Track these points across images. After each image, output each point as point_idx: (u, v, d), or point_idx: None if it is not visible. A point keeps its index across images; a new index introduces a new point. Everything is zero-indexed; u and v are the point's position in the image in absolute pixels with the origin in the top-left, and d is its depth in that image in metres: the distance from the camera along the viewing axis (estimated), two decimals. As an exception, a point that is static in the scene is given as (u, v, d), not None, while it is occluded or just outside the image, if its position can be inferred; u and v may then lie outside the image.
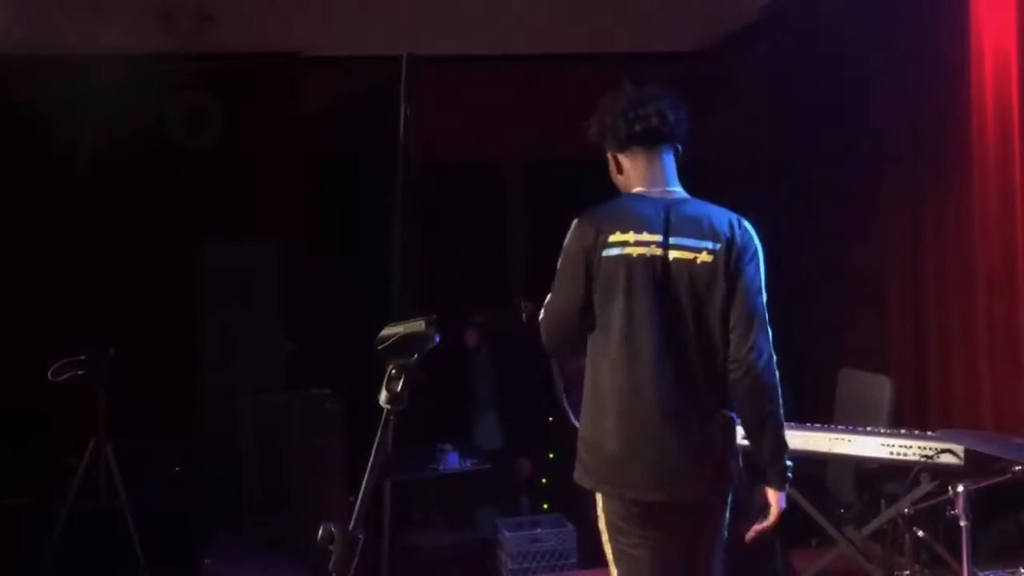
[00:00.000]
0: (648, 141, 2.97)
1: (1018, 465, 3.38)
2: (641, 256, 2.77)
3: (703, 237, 2.80)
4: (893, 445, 4.12)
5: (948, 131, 4.96)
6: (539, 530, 5.32)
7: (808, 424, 4.50)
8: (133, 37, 6.07)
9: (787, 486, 2.95)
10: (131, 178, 6.35)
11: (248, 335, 6.57)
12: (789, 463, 2.96)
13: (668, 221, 2.81)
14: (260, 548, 5.53)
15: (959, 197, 4.89)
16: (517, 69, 7.08)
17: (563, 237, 2.97)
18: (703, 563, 2.92)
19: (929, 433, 4.19)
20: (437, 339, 2.57)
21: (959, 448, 3.86)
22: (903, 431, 4.33)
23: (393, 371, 2.51)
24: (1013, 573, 3.52)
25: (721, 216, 2.86)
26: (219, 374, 6.53)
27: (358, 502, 2.42)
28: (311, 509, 5.56)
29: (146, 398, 5.92)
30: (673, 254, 2.79)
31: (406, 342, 2.56)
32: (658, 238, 2.79)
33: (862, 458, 4.30)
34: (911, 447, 4.06)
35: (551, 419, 6.72)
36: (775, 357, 2.84)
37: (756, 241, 2.86)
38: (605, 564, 3.00)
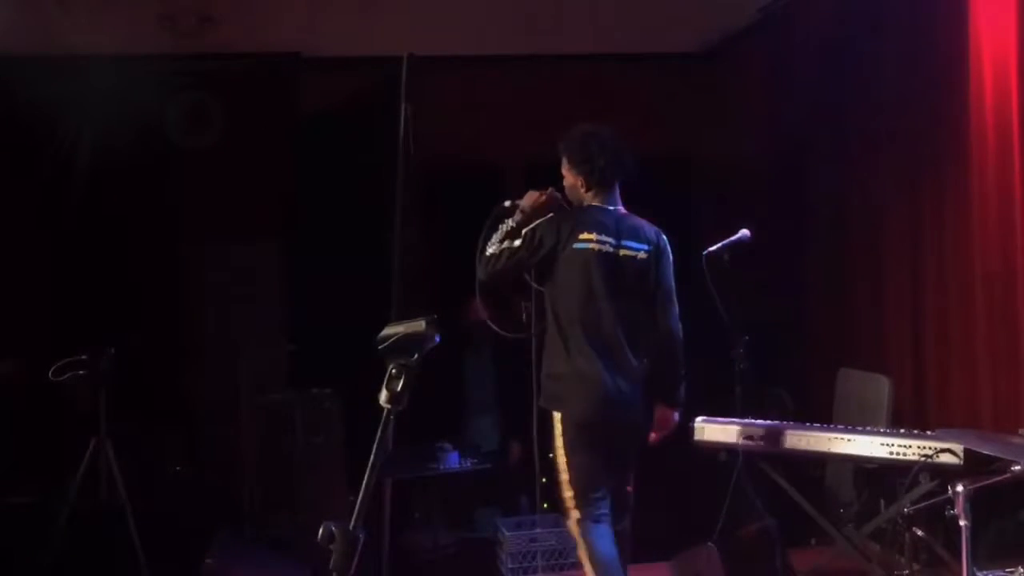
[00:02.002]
0: (620, 181, 4.04)
1: (1017, 464, 3.38)
2: (601, 251, 3.86)
3: (641, 241, 3.94)
4: (892, 445, 4.13)
5: (947, 131, 4.97)
6: (539, 529, 5.33)
7: (808, 424, 4.51)
8: (133, 37, 6.08)
9: (679, 407, 4.06)
10: (131, 178, 6.35)
11: (248, 335, 6.57)
12: (682, 390, 4.04)
13: (619, 229, 3.91)
14: (260, 548, 5.54)
15: (958, 197, 4.89)
16: (517, 69, 7.09)
17: None
18: (628, 469, 4.01)
19: (928, 433, 4.21)
20: (437, 339, 2.58)
21: (958, 447, 3.87)
22: (902, 431, 4.34)
23: (393, 371, 2.52)
24: (1012, 573, 3.53)
25: (650, 228, 4.01)
26: (219, 374, 6.53)
27: (358, 502, 2.42)
28: (311, 509, 5.57)
29: (147, 398, 5.92)
30: (622, 252, 3.89)
31: (406, 342, 2.56)
32: (612, 240, 3.88)
33: (861, 458, 4.32)
34: (910, 447, 4.07)
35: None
36: (680, 324, 3.99)
37: (669, 246, 4.03)
38: None
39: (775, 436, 4.43)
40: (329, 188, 6.60)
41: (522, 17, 6.35)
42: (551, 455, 3.92)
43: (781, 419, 4.71)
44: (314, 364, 6.20)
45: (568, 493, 3.82)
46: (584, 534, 3.81)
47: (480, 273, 3.95)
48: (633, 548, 4.33)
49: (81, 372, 4.90)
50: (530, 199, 4.01)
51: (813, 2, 6.09)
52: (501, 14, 6.27)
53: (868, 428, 4.42)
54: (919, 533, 4.00)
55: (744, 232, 4.72)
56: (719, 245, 4.71)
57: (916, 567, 4.08)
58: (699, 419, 4.68)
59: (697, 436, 4.66)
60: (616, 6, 6.29)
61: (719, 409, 4.67)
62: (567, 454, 3.81)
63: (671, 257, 4.01)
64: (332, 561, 2.33)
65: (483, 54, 6.94)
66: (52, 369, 4.86)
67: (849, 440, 4.27)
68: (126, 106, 6.15)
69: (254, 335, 6.57)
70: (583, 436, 3.81)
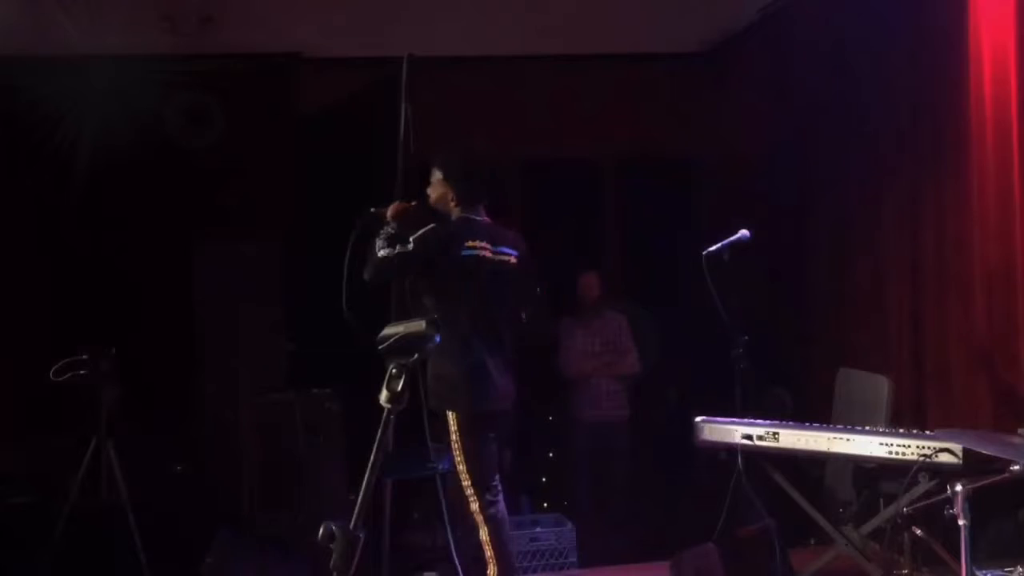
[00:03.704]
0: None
1: (1016, 464, 3.38)
2: (485, 256, 4.19)
3: (510, 247, 4.29)
4: (892, 444, 4.12)
5: (947, 131, 4.97)
6: (539, 529, 5.33)
7: (807, 424, 4.51)
8: (133, 37, 6.08)
9: None
10: (131, 178, 6.35)
11: (248, 335, 6.57)
12: None
13: (493, 237, 4.24)
14: (260, 547, 5.54)
15: (958, 197, 4.90)
16: (517, 69, 7.09)
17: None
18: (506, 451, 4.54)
19: (927, 432, 4.20)
20: (437, 339, 2.59)
21: (957, 447, 3.87)
22: (901, 430, 4.34)
23: (393, 371, 2.52)
24: (1012, 572, 3.53)
25: (515, 235, 4.38)
26: (219, 374, 6.53)
27: (358, 501, 2.43)
28: (311, 509, 5.57)
29: (146, 398, 5.92)
30: (499, 257, 4.23)
31: (406, 342, 2.57)
32: (491, 246, 4.21)
33: (861, 457, 4.31)
34: (909, 446, 4.06)
35: (550, 418, 6.74)
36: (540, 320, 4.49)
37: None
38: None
39: (775, 436, 4.43)
40: (329, 188, 6.60)
41: (522, 17, 6.35)
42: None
43: (781, 419, 4.70)
44: (314, 364, 6.20)
45: (467, 482, 4.14)
46: (486, 520, 4.15)
47: (367, 273, 4.16)
48: (632, 548, 4.37)
49: (81, 372, 4.90)
50: (396, 208, 4.24)
51: (813, 2, 6.10)
52: (501, 14, 6.27)
53: (867, 428, 4.41)
54: (918, 533, 4.00)
55: (744, 232, 4.72)
56: (719, 245, 4.71)
57: (915, 567, 4.09)
58: (699, 419, 4.68)
59: (697, 436, 4.66)
60: (616, 6, 6.29)
61: (719, 409, 4.68)
62: (463, 448, 4.12)
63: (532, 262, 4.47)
64: (332, 561, 2.34)
65: (483, 54, 6.94)
66: (53, 369, 4.86)
67: (848, 440, 4.26)
68: (126, 106, 6.16)
69: (254, 335, 6.57)
70: (476, 430, 4.13)
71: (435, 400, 4.16)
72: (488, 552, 4.15)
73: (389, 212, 4.23)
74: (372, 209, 4.26)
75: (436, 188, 4.33)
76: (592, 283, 6.32)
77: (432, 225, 4.18)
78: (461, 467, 4.14)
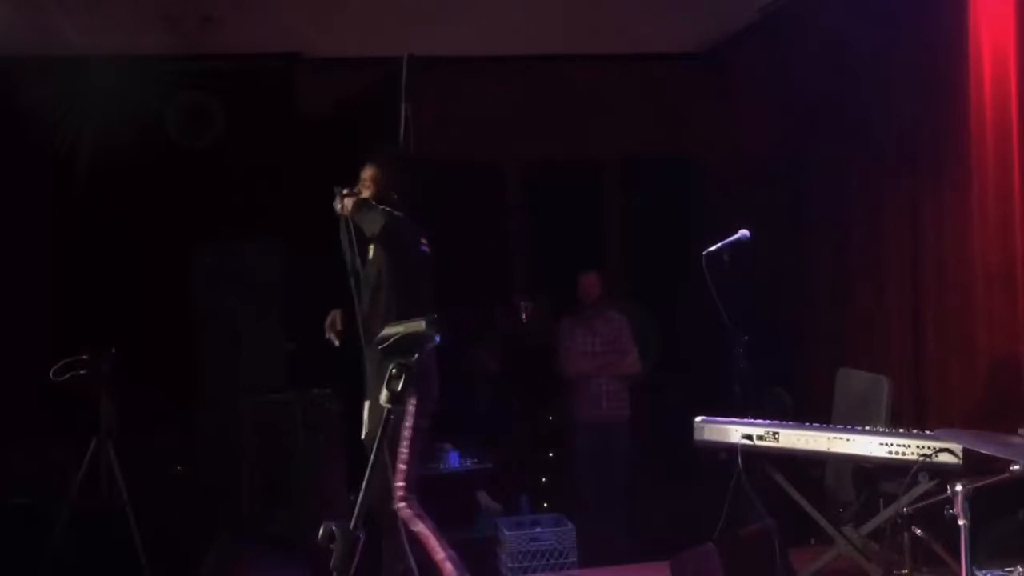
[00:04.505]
0: None
1: (1016, 464, 3.38)
2: (428, 254, 4.36)
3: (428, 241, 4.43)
4: (892, 444, 4.13)
5: (947, 131, 4.97)
6: (539, 529, 5.33)
7: (807, 424, 4.51)
8: (133, 37, 6.08)
9: None
10: (131, 178, 6.35)
11: (248, 335, 6.57)
12: None
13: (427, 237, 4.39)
14: (260, 547, 5.54)
15: (957, 197, 4.90)
16: (517, 69, 7.09)
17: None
18: None
19: (927, 432, 4.20)
20: (437, 339, 2.59)
21: (957, 447, 3.87)
22: (901, 430, 4.34)
23: (393, 371, 2.52)
24: (1012, 572, 3.53)
25: None
26: (219, 374, 6.53)
27: (358, 501, 2.43)
28: (311, 508, 5.57)
29: (146, 398, 5.92)
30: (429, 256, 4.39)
31: (406, 342, 2.57)
32: (425, 241, 4.36)
33: (861, 457, 4.31)
34: (909, 446, 4.06)
35: (550, 418, 6.74)
36: None
37: None
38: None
39: (775, 436, 4.43)
40: (329, 188, 6.58)
41: (522, 17, 6.35)
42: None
43: (781, 419, 4.71)
44: (314, 364, 6.19)
45: (401, 481, 4.10)
46: (418, 515, 4.14)
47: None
48: (632, 548, 4.34)
49: (81, 372, 4.89)
50: (351, 194, 4.32)
51: (813, 2, 6.10)
52: (501, 14, 6.27)
53: (867, 428, 4.41)
54: (918, 533, 4.00)
55: (744, 232, 4.73)
56: (719, 245, 4.71)
57: (915, 566, 4.09)
58: (699, 419, 4.68)
59: (697, 436, 4.66)
60: (616, 6, 6.29)
61: (719, 409, 4.68)
62: (412, 441, 4.12)
63: None
64: (332, 561, 2.34)
65: (483, 54, 6.94)
66: (53, 369, 4.86)
67: (848, 440, 4.26)
68: (126, 106, 6.16)
69: (254, 335, 6.57)
70: (426, 421, 4.20)
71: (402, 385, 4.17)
72: (434, 542, 4.14)
73: (349, 201, 4.30)
74: (340, 189, 4.35)
75: (378, 185, 4.37)
76: (593, 283, 6.32)
77: (400, 214, 4.25)
78: (402, 466, 4.12)
